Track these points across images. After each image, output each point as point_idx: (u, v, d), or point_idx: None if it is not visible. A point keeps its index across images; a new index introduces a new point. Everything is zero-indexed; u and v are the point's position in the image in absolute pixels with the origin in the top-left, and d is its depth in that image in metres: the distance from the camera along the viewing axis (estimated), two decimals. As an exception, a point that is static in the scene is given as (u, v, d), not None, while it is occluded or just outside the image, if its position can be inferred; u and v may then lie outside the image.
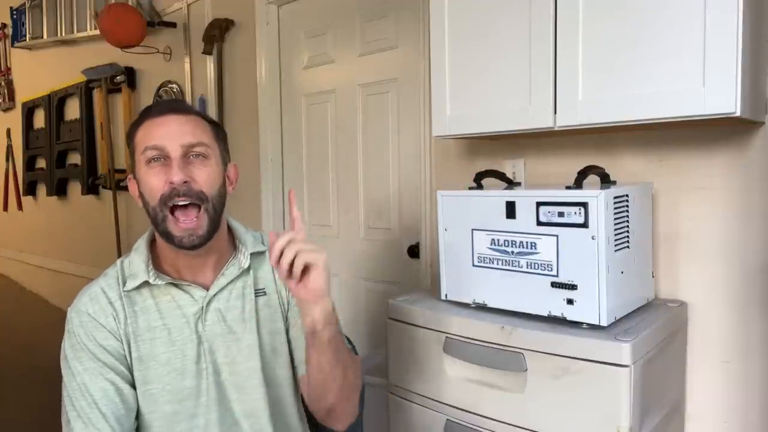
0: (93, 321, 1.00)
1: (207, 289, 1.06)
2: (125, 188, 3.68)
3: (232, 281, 1.07)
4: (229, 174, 1.09)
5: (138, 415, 1.03)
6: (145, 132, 1.00)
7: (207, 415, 1.04)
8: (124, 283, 1.03)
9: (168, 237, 0.99)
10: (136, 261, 1.05)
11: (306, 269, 0.90)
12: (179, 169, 0.97)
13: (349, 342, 1.19)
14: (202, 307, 1.05)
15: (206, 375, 1.04)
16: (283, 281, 0.92)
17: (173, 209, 0.97)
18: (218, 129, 1.08)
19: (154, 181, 0.98)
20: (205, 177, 0.99)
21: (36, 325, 4.37)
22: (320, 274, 0.91)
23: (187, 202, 0.97)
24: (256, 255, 1.11)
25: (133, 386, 1.02)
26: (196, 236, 0.98)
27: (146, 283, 1.03)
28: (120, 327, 1.01)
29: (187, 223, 0.97)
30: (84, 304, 1.02)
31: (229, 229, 1.13)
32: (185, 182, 0.97)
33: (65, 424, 1.00)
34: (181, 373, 1.02)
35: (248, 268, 1.09)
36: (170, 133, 0.98)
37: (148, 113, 1.03)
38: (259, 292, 1.10)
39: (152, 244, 1.08)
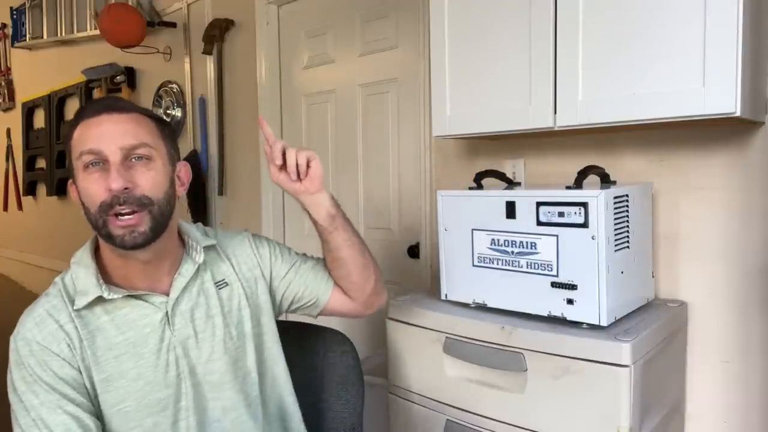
0: (45, 349, 0.92)
1: (167, 294, 1.00)
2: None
3: (190, 280, 1.03)
4: (179, 174, 1.02)
5: None
6: (80, 134, 0.92)
7: (187, 418, 1.00)
8: (72, 303, 0.95)
9: (110, 238, 0.92)
10: (82, 276, 0.97)
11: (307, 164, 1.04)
12: (119, 174, 0.89)
13: (356, 357, 1.23)
14: (167, 313, 0.99)
15: (183, 378, 1.00)
16: (290, 185, 1.06)
17: (116, 215, 0.91)
18: (164, 126, 1.01)
19: (92, 189, 0.90)
20: (148, 181, 0.92)
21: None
22: (318, 163, 1.06)
23: (128, 210, 0.90)
24: (207, 249, 1.07)
25: (96, 416, 0.94)
26: (138, 233, 0.91)
27: (98, 300, 0.95)
28: (76, 353, 0.93)
29: (127, 220, 0.90)
30: (30, 331, 0.92)
31: (180, 233, 1.08)
32: (126, 189, 0.90)
33: None
34: (155, 384, 0.97)
35: (203, 263, 1.05)
36: (107, 135, 0.90)
37: (82, 113, 0.94)
38: (220, 284, 1.07)
39: (96, 255, 1.00)
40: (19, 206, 5.29)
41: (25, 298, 5.21)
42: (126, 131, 0.92)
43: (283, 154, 1.05)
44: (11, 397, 0.93)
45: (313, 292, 1.17)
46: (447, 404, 1.36)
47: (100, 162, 0.91)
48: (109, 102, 0.96)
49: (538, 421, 1.20)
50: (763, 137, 1.29)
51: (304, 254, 1.23)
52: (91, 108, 0.95)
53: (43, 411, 0.90)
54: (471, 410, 1.31)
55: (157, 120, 1.00)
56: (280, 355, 1.15)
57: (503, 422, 1.25)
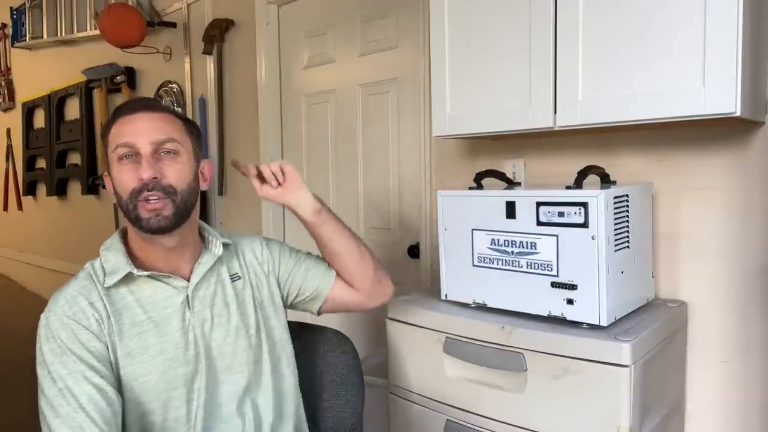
0: (75, 323, 0.99)
1: (187, 280, 1.09)
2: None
3: (209, 269, 1.12)
4: (203, 170, 1.12)
5: (130, 411, 1.02)
6: (116, 130, 1.03)
7: (199, 398, 1.06)
8: (102, 283, 1.04)
9: (137, 221, 1.01)
10: (112, 258, 1.06)
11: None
12: (149, 165, 1.00)
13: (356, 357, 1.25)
14: (188, 296, 1.08)
15: (200, 358, 1.07)
16: (274, 193, 1.15)
17: (146, 200, 1.01)
18: (191, 125, 1.11)
19: (125, 178, 1.01)
20: (174, 173, 1.03)
21: (36, 326, 4.36)
22: (291, 167, 1.17)
23: (155, 197, 1.01)
24: (223, 246, 1.16)
25: (118, 389, 1.00)
26: (162, 217, 1.01)
27: (125, 280, 1.04)
28: (104, 328, 1.01)
29: (153, 203, 1.00)
30: (61, 308, 1.00)
31: (201, 231, 1.17)
32: (154, 178, 1.00)
33: None
34: (176, 360, 1.05)
35: (220, 257, 1.14)
36: (140, 131, 1.02)
37: (120, 111, 1.06)
38: (234, 277, 1.16)
39: (125, 243, 1.10)
40: (19, 206, 5.30)
41: (25, 298, 5.23)
42: (157, 128, 1.03)
43: (259, 172, 1.16)
44: (39, 370, 0.99)
45: (314, 284, 1.24)
46: (447, 404, 1.36)
47: (133, 154, 1.01)
48: (145, 102, 1.09)
49: (538, 421, 1.20)
50: (763, 137, 1.29)
51: (309, 252, 1.30)
52: (128, 107, 1.06)
53: (70, 381, 0.96)
54: (471, 410, 1.31)
55: (185, 120, 1.11)
56: (288, 355, 1.21)
57: (503, 422, 1.25)
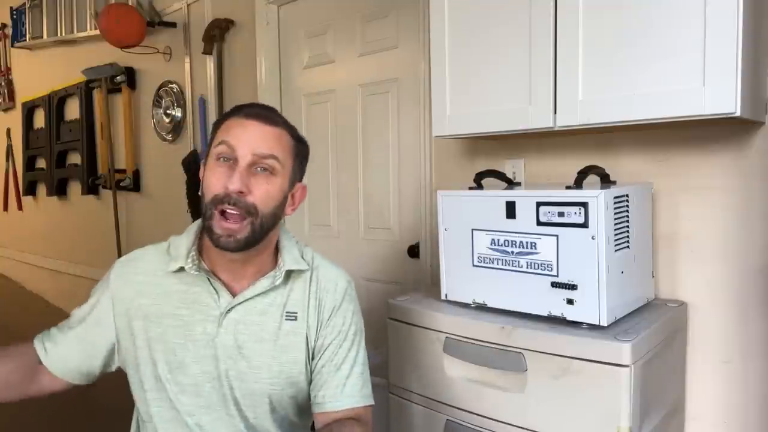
0: (126, 274, 1.06)
1: (235, 296, 1.04)
2: (125, 188, 3.70)
3: (260, 294, 1.04)
4: (294, 194, 1.06)
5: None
6: (227, 127, 0.99)
7: (203, 416, 1.03)
8: (167, 263, 1.04)
9: (209, 232, 0.98)
10: (182, 245, 1.04)
11: None
12: (239, 177, 0.95)
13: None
14: (222, 313, 1.02)
15: (212, 377, 1.02)
16: None
17: (223, 211, 0.96)
18: (301, 146, 1.06)
19: (214, 180, 0.97)
20: (262, 193, 0.97)
21: (36, 325, 4.34)
22: None
23: (235, 212, 0.96)
24: (296, 273, 1.07)
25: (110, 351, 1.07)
26: (234, 239, 0.96)
27: (182, 269, 1.02)
28: (133, 300, 1.04)
29: (230, 223, 0.96)
30: (129, 258, 1.09)
31: (278, 245, 1.09)
32: (240, 192, 0.95)
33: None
34: (181, 367, 1.02)
35: (283, 286, 1.06)
36: (248, 138, 0.97)
37: (239, 110, 1.01)
38: (290, 316, 1.06)
39: (202, 232, 1.05)
40: (19, 206, 5.30)
41: (25, 298, 5.23)
42: (265, 140, 0.98)
43: None
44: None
45: (315, 393, 1.08)
46: (447, 404, 1.36)
47: (231, 160, 0.97)
48: (265, 113, 1.02)
49: (538, 421, 1.20)
50: (763, 137, 1.29)
51: (365, 353, 1.13)
52: (250, 109, 1.01)
53: (78, 314, 1.09)
54: (471, 410, 1.31)
55: (297, 139, 1.05)
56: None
57: (503, 422, 1.25)
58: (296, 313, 1.06)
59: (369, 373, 1.11)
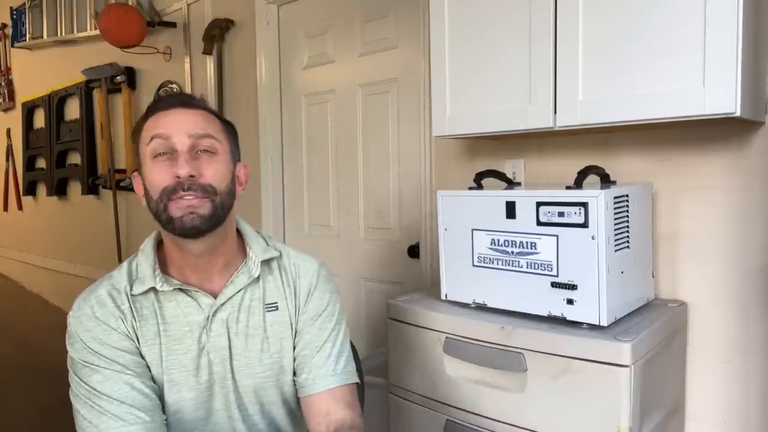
0: (102, 325, 0.95)
1: (214, 296, 1.01)
2: (125, 188, 3.71)
3: (240, 291, 1.02)
4: (239, 174, 1.04)
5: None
6: (152, 123, 0.96)
7: (204, 427, 1.01)
8: (131, 287, 0.99)
9: (169, 222, 0.93)
10: (143, 265, 1.00)
11: None
12: (186, 162, 0.92)
13: (357, 358, 1.14)
14: (208, 317, 1.00)
15: (213, 385, 1.01)
16: None
17: (180, 197, 0.93)
18: (229, 126, 1.04)
19: (159, 176, 0.93)
20: (213, 172, 0.95)
21: (36, 325, 4.37)
22: None
23: (192, 196, 0.92)
24: (265, 263, 1.06)
25: (154, 381, 0.98)
26: (197, 215, 0.92)
27: (153, 289, 0.98)
28: (129, 329, 0.97)
29: (189, 200, 0.92)
30: (91, 308, 0.97)
31: (239, 234, 1.07)
32: (192, 176, 0.92)
33: None
34: (176, 384, 0.99)
35: (257, 278, 1.04)
36: (178, 125, 0.94)
37: (155, 107, 0.98)
38: (269, 307, 1.05)
39: (159, 247, 1.03)
40: (19, 206, 5.30)
41: (25, 298, 5.24)
42: (195, 122, 0.96)
43: None
44: (72, 378, 0.96)
45: (300, 377, 1.07)
46: (447, 404, 1.36)
47: (169, 152, 0.94)
48: (182, 98, 1.00)
49: (538, 421, 1.20)
50: (763, 137, 1.29)
51: (346, 330, 1.13)
52: (163, 101, 0.99)
53: (107, 385, 0.93)
54: (471, 410, 1.31)
55: (223, 120, 1.03)
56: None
57: (503, 422, 1.25)
58: (276, 302, 1.05)
59: (352, 352, 1.12)
